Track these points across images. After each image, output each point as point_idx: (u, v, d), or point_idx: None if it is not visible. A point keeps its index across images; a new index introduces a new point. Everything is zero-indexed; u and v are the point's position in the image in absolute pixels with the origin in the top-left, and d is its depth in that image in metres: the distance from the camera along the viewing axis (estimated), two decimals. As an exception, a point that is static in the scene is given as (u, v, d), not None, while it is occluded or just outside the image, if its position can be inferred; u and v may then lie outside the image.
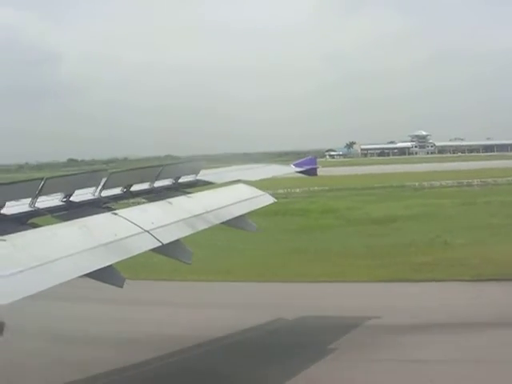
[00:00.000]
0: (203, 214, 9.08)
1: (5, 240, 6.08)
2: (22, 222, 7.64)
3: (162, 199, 9.26)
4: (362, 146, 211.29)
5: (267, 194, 11.43)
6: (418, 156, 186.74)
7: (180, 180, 10.66)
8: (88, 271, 6.37)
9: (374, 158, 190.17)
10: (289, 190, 55.31)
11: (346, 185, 59.81)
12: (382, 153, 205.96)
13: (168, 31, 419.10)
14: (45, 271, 5.79)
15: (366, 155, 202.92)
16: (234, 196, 10.60)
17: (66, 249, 6.32)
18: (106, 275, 6.97)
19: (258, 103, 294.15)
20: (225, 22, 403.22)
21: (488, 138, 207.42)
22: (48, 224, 7.41)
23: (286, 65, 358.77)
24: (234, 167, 14.33)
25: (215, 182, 11.36)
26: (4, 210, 7.53)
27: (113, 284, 7.40)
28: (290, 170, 14.46)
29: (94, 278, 6.84)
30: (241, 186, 11.47)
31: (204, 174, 11.33)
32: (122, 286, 7.56)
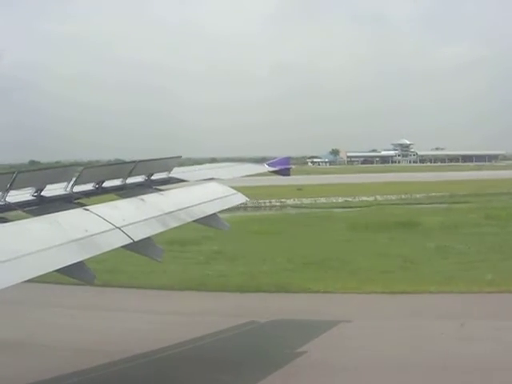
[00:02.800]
0: (175, 211, 9.08)
1: None
2: (-8, 216, 7.57)
3: (135, 196, 9.25)
4: (348, 154, 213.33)
5: (240, 193, 11.47)
6: (401, 164, 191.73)
7: (153, 177, 10.65)
8: (58, 267, 6.37)
9: (361, 165, 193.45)
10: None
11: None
12: (366, 161, 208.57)
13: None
14: (15, 266, 5.78)
15: (351, 163, 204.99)
16: (206, 194, 10.61)
17: (37, 244, 6.30)
18: (77, 271, 6.96)
19: (208, 108, 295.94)
20: (175, 23, 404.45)
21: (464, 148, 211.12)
22: (19, 219, 7.37)
23: (240, 71, 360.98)
24: (207, 165, 14.34)
25: (188, 179, 11.37)
26: (-26, 204, 7.46)
27: (83, 280, 7.39)
28: (263, 169, 14.50)
29: (64, 273, 6.83)
30: (214, 184, 11.49)
31: (177, 172, 11.33)
32: (92, 283, 7.55)
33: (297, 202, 58.16)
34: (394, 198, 59.14)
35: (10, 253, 5.87)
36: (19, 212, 8.18)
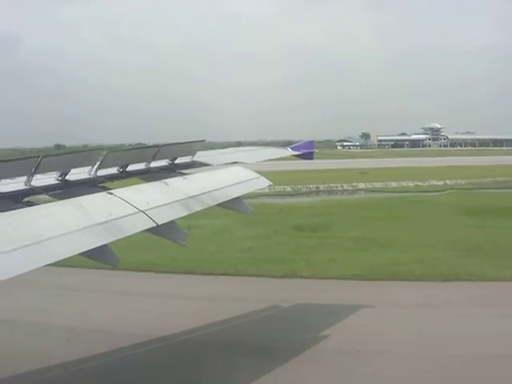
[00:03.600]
0: (199, 195, 9.08)
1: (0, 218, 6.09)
2: (18, 200, 7.62)
3: (158, 180, 9.25)
4: (379, 137, 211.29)
5: (263, 177, 11.41)
6: (432, 148, 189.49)
7: (176, 161, 10.64)
8: (83, 250, 6.39)
9: (392, 149, 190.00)
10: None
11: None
12: (396, 144, 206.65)
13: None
14: (40, 249, 5.81)
15: (382, 146, 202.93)
16: (230, 178, 10.59)
17: (61, 228, 6.33)
18: (100, 255, 7.00)
19: (230, 91, 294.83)
20: (194, 5, 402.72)
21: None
22: (44, 203, 7.42)
23: (262, 53, 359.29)
24: (230, 149, 14.33)
25: (212, 163, 11.35)
26: (-1, 188, 7.52)
27: (107, 263, 7.43)
28: (286, 152, 14.43)
29: (88, 257, 6.87)
30: (237, 168, 11.46)
31: (200, 156, 11.32)
32: (116, 266, 7.59)
33: (368, 186, 57.19)
34: (463, 182, 57.77)
35: (35, 236, 5.90)
36: (44, 196, 8.26)
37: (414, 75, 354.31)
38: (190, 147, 11.13)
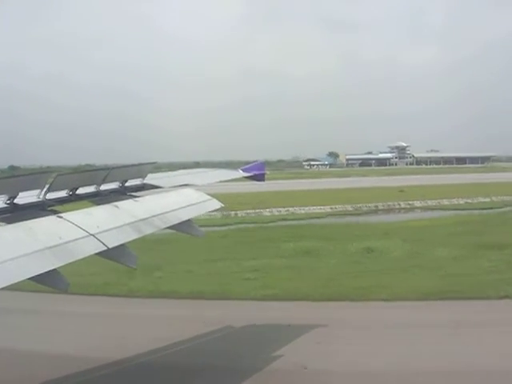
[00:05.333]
0: (150, 217, 9.09)
1: None
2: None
3: (109, 203, 9.23)
4: (347, 156, 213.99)
5: (215, 199, 11.50)
6: (399, 167, 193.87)
7: (127, 184, 10.64)
8: (32, 275, 6.33)
9: (359, 168, 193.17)
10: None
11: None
12: (363, 163, 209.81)
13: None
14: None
15: (350, 165, 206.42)
16: (181, 200, 10.63)
17: (10, 252, 6.26)
18: (50, 279, 6.93)
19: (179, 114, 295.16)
20: (146, 28, 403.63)
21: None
22: None
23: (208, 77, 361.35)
24: (181, 171, 14.34)
25: (162, 186, 11.38)
26: None
27: (57, 288, 7.35)
28: (237, 174, 14.54)
29: (38, 281, 6.79)
30: (188, 190, 11.51)
31: (151, 178, 11.34)
32: (66, 291, 7.51)
33: (423, 204, 57.74)
34: (507, 198, 57.76)
35: (-17, 261, 5.83)
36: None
37: (374, 100, 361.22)
38: (140, 169, 11.15)
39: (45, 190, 8.71)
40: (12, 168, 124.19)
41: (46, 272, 6.52)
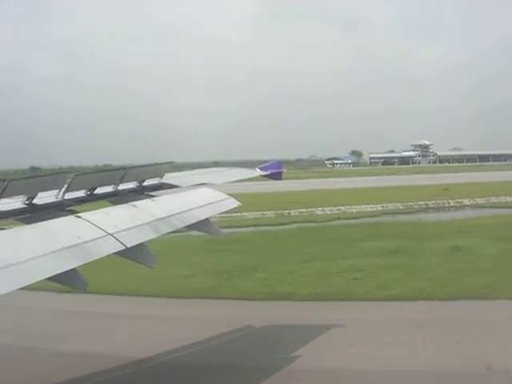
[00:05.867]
0: (167, 217, 9.09)
1: None
2: (-16, 224, 7.55)
3: (126, 202, 9.24)
4: (371, 155, 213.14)
5: (232, 198, 11.49)
6: (422, 165, 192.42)
7: (144, 183, 10.66)
8: (51, 275, 6.35)
9: (384, 166, 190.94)
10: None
11: None
12: (386, 162, 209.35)
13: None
14: (7, 274, 5.77)
15: (374, 164, 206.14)
16: (198, 199, 10.63)
17: (29, 252, 6.29)
18: (69, 279, 6.95)
19: (195, 114, 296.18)
20: (156, 26, 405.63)
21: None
22: (10, 227, 7.36)
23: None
24: (198, 170, 14.36)
25: (180, 185, 11.38)
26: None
27: (75, 288, 7.37)
28: (254, 173, 14.53)
29: (56, 281, 6.81)
30: (205, 189, 11.50)
31: (168, 178, 11.35)
32: (85, 290, 7.54)
33: (472, 201, 56.56)
34: None
35: (3, 261, 5.86)
36: (11, 220, 8.18)
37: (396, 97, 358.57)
38: (157, 169, 11.17)
39: (63, 190, 8.75)
40: (33, 169, 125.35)
41: (65, 272, 6.54)
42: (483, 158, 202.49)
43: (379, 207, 52.41)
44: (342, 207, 51.76)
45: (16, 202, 8.32)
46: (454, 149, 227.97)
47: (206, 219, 10.30)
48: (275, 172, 14.65)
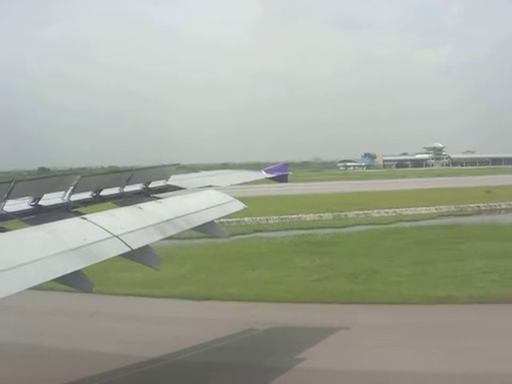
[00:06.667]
0: (173, 219, 9.08)
1: None
2: (-10, 226, 7.56)
3: (132, 204, 9.25)
4: (384, 158, 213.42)
5: (237, 200, 11.47)
6: (435, 168, 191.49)
7: (150, 185, 10.66)
8: (56, 276, 6.34)
9: (399, 169, 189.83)
10: None
11: None
12: (399, 164, 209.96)
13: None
14: (13, 276, 5.76)
15: (388, 166, 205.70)
16: (204, 201, 10.63)
17: (35, 253, 6.28)
18: (74, 280, 6.95)
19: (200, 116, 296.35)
20: (158, 29, 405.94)
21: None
22: (16, 228, 7.36)
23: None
24: (204, 173, 14.35)
25: (185, 187, 11.38)
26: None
27: (81, 289, 7.37)
28: (260, 175, 14.50)
29: (62, 282, 6.81)
30: (211, 191, 11.51)
31: (174, 180, 11.35)
32: (90, 291, 7.53)
33: None
34: None
35: (8, 262, 5.86)
36: (17, 221, 8.19)
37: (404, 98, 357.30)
38: (163, 171, 11.17)
39: (69, 191, 8.76)
40: (42, 170, 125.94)
41: (70, 273, 6.54)
42: (496, 161, 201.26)
43: (433, 209, 51.66)
44: (396, 209, 50.98)
45: (22, 204, 8.34)
46: (467, 152, 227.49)
47: (212, 221, 10.30)
48: (281, 175, 14.61)
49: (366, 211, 50.23)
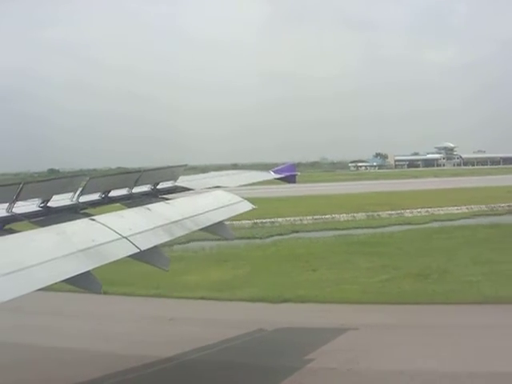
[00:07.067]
0: (181, 220, 9.07)
1: None
2: (-1, 227, 7.59)
3: (141, 205, 9.25)
4: (396, 157, 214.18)
5: (246, 201, 11.44)
6: (447, 167, 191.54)
7: (158, 186, 10.67)
8: (65, 277, 6.35)
9: (411, 169, 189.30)
10: None
11: None
12: (411, 164, 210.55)
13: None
14: (22, 277, 5.78)
15: (399, 166, 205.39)
16: (212, 202, 10.61)
17: (44, 255, 6.30)
18: (83, 281, 6.96)
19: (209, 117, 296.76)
20: (165, 30, 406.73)
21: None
22: (25, 230, 7.38)
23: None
24: (212, 173, 14.34)
25: (194, 188, 11.38)
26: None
27: (90, 290, 7.38)
28: (269, 176, 14.47)
29: (71, 284, 6.82)
30: (219, 192, 11.49)
31: (183, 181, 11.36)
32: (100, 292, 7.54)
33: None
34: None
35: (17, 264, 5.87)
36: (26, 223, 8.22)
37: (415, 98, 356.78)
38: (171, 172, 11.17)
39: (78, 193, 8.79)
40: (51, 171, 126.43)
41: (79, 274, 6.54)
42: (506, 161, 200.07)
43: (464, 209, 50.93)
44: (428, 209, 50.28)
45: (31, 205, 8.37)
46: (478, 151, 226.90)
47: (220, 222, 10.28)
48: (289, 175, 14.59)
49: (398, 211, 49.67)
